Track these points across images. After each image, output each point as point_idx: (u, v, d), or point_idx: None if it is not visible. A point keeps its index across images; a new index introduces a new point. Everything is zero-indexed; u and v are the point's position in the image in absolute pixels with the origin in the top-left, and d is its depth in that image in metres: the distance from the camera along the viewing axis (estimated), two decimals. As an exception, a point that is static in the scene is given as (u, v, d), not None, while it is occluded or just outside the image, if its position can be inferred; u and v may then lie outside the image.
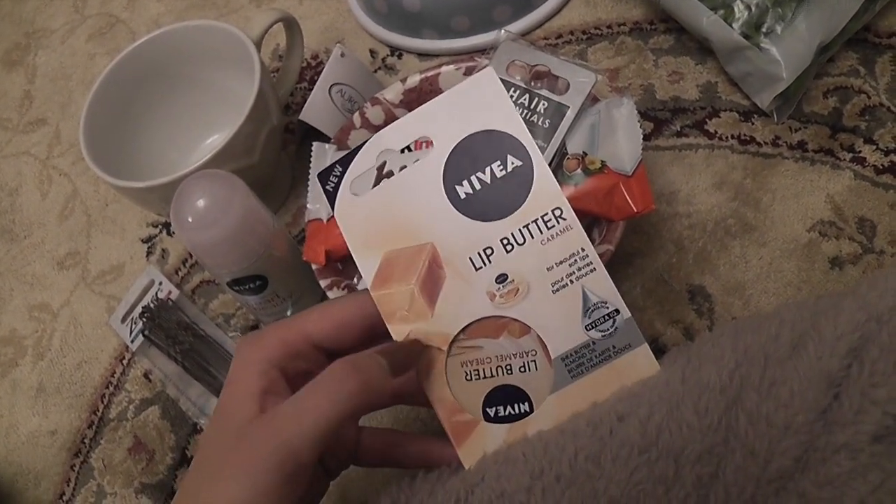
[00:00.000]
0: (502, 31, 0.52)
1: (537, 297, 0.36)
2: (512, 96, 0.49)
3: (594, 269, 0.36)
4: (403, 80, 0.59)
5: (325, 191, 0.38)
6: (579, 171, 0.47)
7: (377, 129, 0.38)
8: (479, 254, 0.36)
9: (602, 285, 0.36)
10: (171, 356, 0.61)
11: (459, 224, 0.37)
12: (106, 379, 0.65)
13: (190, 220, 0.49)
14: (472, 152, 0.37)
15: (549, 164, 0.47)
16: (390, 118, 0.58)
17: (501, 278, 0.36)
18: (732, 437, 0.32)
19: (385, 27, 0.75)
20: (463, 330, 0.36)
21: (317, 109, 0.62)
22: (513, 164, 0.37)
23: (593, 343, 0.36)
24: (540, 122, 0.48)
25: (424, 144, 0.48)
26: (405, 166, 0.38)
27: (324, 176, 0.38)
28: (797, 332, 0.33)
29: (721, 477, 0.32)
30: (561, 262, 0.36)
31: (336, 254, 0.50)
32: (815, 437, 0.31)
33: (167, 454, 0.59)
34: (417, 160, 0.38)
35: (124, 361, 0.65)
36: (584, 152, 0.47)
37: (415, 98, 0.58)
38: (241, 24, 0.71)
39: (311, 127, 0.62)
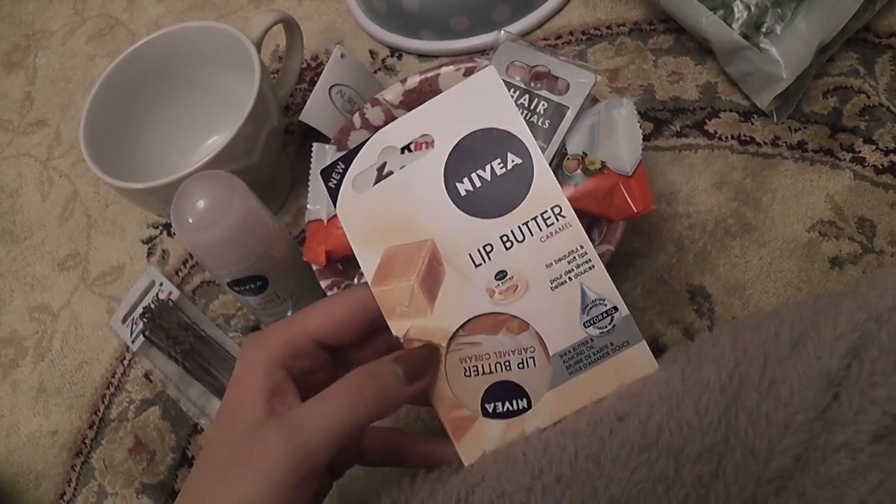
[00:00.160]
0: (502, 31, 0.52)
1: (536, 293, 0.36)
2: (512, 97, 0.49)
3: (593, 266, 0.36)
4: (403, 81, 0.59)
5: (328, 188, 0.38)
6: (579, 171, 0.47)
7: (377, 129, 0.38)
8: (478, 251, 0.37)
9: (600, 282, 0.36)
10: (171, 357, 0.61)
11: (460, 221, 0.37)
12: (106, 379, 0.65)
13: (190, 220, 0.49)
14: (472, 150, 0.37)
15: (549, 165, 0.47)
16: (390, 119, 0.58)
17: (501, 275, 0.36)
18: (732, 436, 0.32)
19: (384, 28, 0.75)
20: (462, 326, 0.37)
21: (317, 110, 0.62)
22: (513, 161, 0.37)
23: (591, 340, 0.36)
24: (540, 123, 0.48)
25: (425, 145, 0.48)
26: (405, 167, 0.38)
27: (326, 173, 0.39)
28: (797, 332, 0.33)
29: (721, 476, 0.32)
30: (560, 260, 0.36)
31: (336, 254, 0.50)
32: (814, 437, 0.31)
33: (168, 454, 0.59)
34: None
35: (125, 362, 0.65)
36: (584, 153, 0.47)
37: (414, 99, 0.58)
38: (240, 25, 0.71)
39: (311, 128, 0.62)
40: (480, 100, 0.37)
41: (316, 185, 0.53)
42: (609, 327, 0.36)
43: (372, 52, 0.76)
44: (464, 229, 0.37)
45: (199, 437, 0.59)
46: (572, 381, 0.36)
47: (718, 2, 0.58)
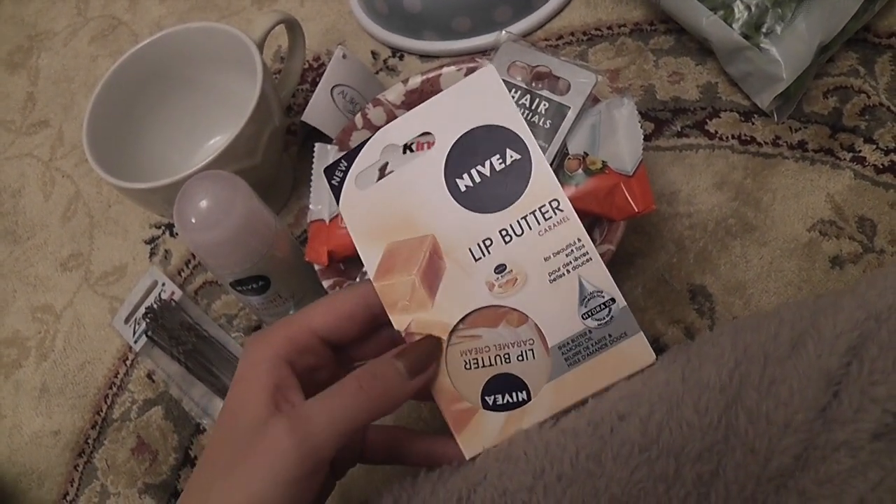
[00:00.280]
0: (503, 32, 0.52)
1: (535, 286, 0.37)
2: (513, 97, 0.49)
3: (590, 258, 0.37)
4: (405, 82, 0.59)
5: (331, 185, 0.39)
6: (580, 171, 0.47)
7: (379, 130, 0.39)
8: (478, 245, 0.37)
9: (598, 275, 0.37)
10: (174, 357, 0.61)
11: (460, 216, 0.37)
12: (109, 379, 0.65)
13: (193, 220, 0.49)
14: (472, 146, 0.38)
15: (551, 165, 0.47)
16: (392, 119, 0.58)
17: (500, 268, 0.37)
18: (732, 436, 0.32)
19: (386, 28, 0.75)
20: (462, 319, 0.37)
21: (319, 111, 0.62)
22: (512, 157, 0.37)
23: (590, 332, 0.36)
24: (541, 123, 0.48)
25: (426, 146, 0.48)
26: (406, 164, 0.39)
27: (329, 171, 0.39)
28: (797, 331, 0.33)
29: (721, 475, 0.32)
30: (558, 253, 0.37)
31: (338, 254, 0.50)
32: (814, 435, 0.31)
33: (170, 454, 0.59)
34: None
35: (127, 362, 0.65)
36: (585, 152, 0.47)
37: (416, 99, 0.58)
38: (242, 26, 0.72)
39: (313, 128, 0.62)
40: (480, 98, 0.38)
41: (318, 185, 0.53)
42: (607, 319, 0.36)
43: (374, 53, 0.76)
44: (464, 224, 0.37)
45: (202, 437, 0.59)
46: (571, 372, 0.36)
47: (719, 2, 0.58)
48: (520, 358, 0.37)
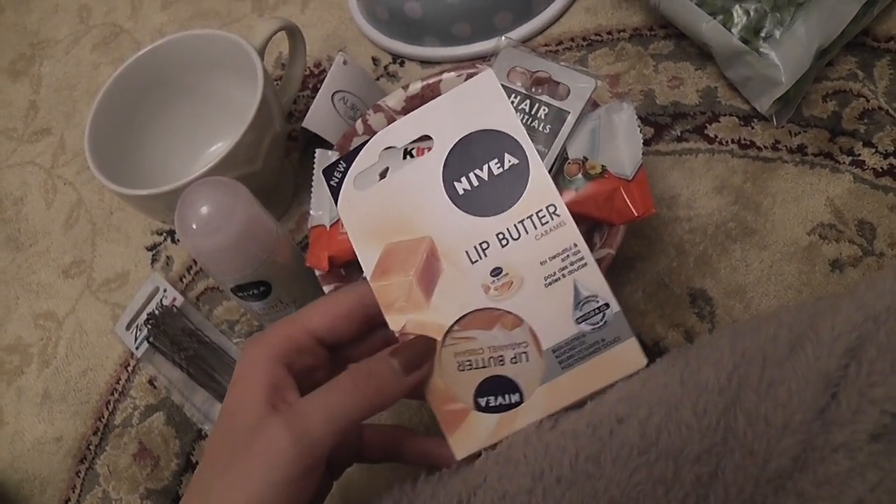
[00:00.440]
0: (503, 37, 0.52)
1: (530, 290, 0.37)
2: (513, 102, 0.49)
3: (585, 263, 0.37)
4: (405, 87, 0.59)
5: (329, 186, 0.39)
6: (580, 175, 0.47)
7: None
8: (475, 247, 0.37)
9: (593, 279, 0.37)
10: (175, 363, 0.62)
11: (457, 219, 0.38)
12: (111, 386, 0.65)
13: (194, 226, 0.49)
14: (470, 150, 0.38)
15: (550, 170, 0.48)
16: (392, 125, 0.59)
17: (496, 272, 0.37)
18: (731, 438, 0.32)
19: (387, 35, 0.75)
20: (457, 321, 0.37)
21: (320, 117, 0.62)
22: (510, 162, 0.38)
23: (583, 335, 0.37)
24: (541, 128, 0.49)
25: (427, 150, 0.48)
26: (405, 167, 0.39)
27: (328, 172, 0.40)
28: (795, 334, 0.34)
29: (720, 477, 0.32)
30: (554, 257, 0.37)
31: (339, 259, 0.50)
32: (813, 437, 0.31)
33: (172, 460, 0.59)
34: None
35: (129, 368, 0.65)
36: (584, 157, 0.48)
37: (417, 105, 0.58)
38: (243, 32, 0.72)
39: (314, 134, 0.62)
40: (479, 102, 0.38)
41: (319, 191, 0.53)
42: (601, 323, 0.37)
43: (374, 59, 0.76)
44: (461, 227, 0.38)
45: (204, 443, 0.59)
46: (564, 375, 0.37)
47: (718, 7, 0.59)
48: (513, 360, 0.37)
